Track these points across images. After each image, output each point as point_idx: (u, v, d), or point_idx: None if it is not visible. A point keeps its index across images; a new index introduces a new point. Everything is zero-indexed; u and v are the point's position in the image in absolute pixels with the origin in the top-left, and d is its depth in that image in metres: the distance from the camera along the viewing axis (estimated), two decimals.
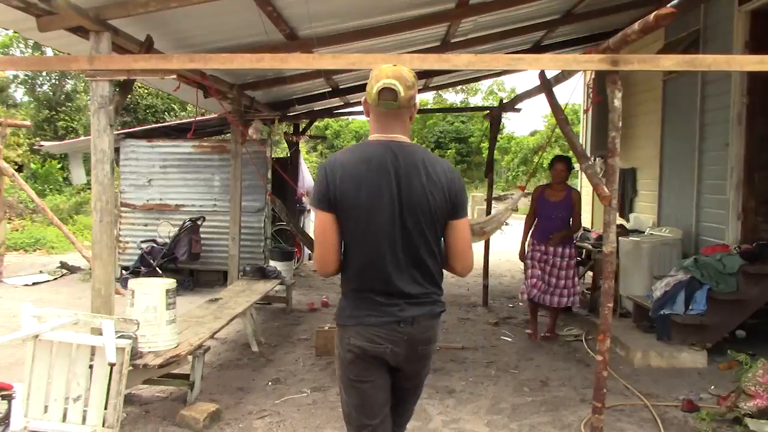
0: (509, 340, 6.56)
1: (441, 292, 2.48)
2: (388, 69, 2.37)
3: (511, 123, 42.03)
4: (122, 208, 9.58)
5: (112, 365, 3.58)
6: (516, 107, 8.08)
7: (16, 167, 19.31)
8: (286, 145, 12.60)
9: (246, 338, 6.09)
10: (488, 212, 8.40)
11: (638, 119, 9.07)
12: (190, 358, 4.50)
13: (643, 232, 7.74)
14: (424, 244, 2.38)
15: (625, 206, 9.18)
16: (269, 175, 9.22)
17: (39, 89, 21.77)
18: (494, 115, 7.96)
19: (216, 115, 8.42)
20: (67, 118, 20.69)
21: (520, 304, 7.49)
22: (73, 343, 3.78)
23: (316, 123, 42.98)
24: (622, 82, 3.75)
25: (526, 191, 7.15)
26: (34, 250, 12.71)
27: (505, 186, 35.37)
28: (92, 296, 4.28)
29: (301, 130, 11.47)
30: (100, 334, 3.74)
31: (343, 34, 5.86)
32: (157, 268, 8.85)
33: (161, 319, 4.33)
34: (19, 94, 23.81)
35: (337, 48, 5.98)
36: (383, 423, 2.51)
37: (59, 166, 18.49)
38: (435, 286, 2.46)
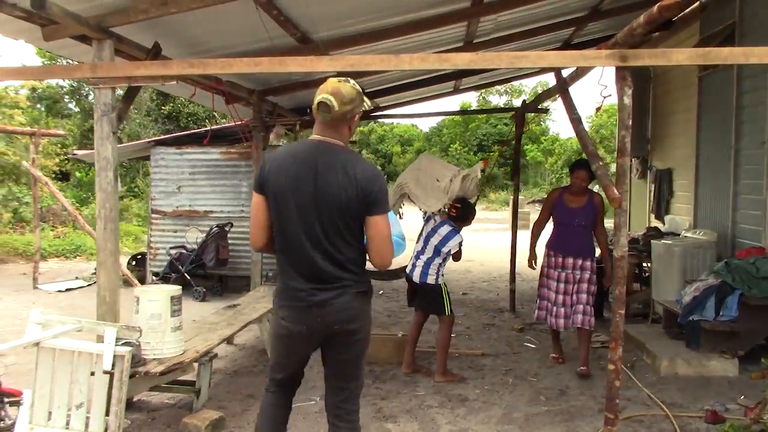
0: (533, 346, 6.37)
1: (356, 276, 2.79)
2: (330, 84, 2.75)
3: (555, 125, 41.39)
4: (152, 215, 9.71)
5: (106, 373, 3.56)
6: (543, 107, 7.86)
7: (61, 176, 19.94)
8: None
9: (264, 345, 6.06)
10: (514, 216, 8.21)
11: (674, 118, 8.75)
12: (196, 365, 4.48)
13: (678, 235, 7.44)
14: (336, 234, 2.72)
15: (661, 208, 8.86)
16: None
17: (84, 99, 22.38)
18: (518, 116, 7.77)
19: (238, 122, 8.44)
20: None
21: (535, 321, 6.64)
22: (74, 350, 3.79)
23: (360, 128, 42.72)
24: (658, 80, 3.58)
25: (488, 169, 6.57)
26: (75, 257, 13.01)
27: (549, 189, 34.83)
28: (97, 303, 4.30)
29: None
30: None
31: (358, 36, 5.80)
32: (186, 275, 8.95)
33: (166, 326, 4.32)
34: (73, 105, 24.69)
35: (352, 51, 5.92)
36: (289, 378, 3.06)
37: None
38: (347, 272, 2.76)
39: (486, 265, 12.36)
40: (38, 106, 23.31)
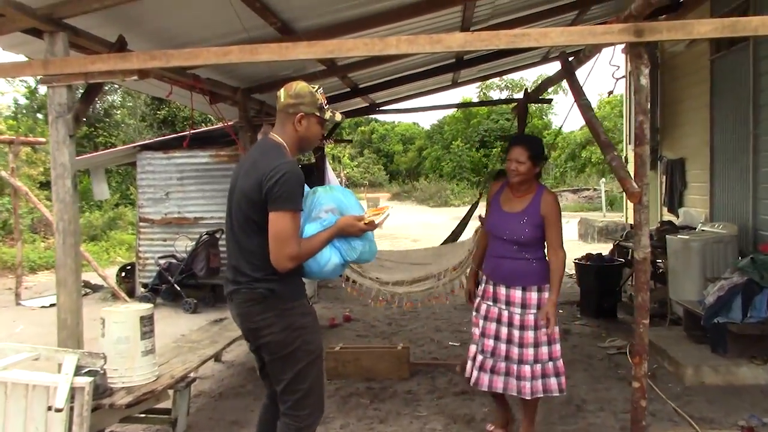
0: None
1: (250, 276, 2.75)
2: (291, 82, 2.87)
3: (557, 118, 40.78)
4: (140, 223, 9.28)
5: (58, 410, 3.12)
6: (546, 98, 7.40)
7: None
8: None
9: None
10: None
11: (684, 105, 8.28)
12: (171, 392, 4.04)
13: (695, 229, 6.97)
14: (241, 231, 2.79)
15: (674, 200, 8.40)
16: None
17: None
18: (521, 107, 7.32)
19: (227, 123, 8.01)
20: (105, 133, 20.81)
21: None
22: (27, 383, 3.36)
23: (362, 128, 42.48)
24: (665, 66, 3.15)
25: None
26: None
27: (553, 183, 34.34)
28: (58, 327, 3.86)
29: (326, 133, 10.99)
30: None
31: (345, 24, 5.36)
32: (176, 285, 8.53)
33: (135, 350, 3.87)
34: None
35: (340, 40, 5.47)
36: (269, 385, 3.02)
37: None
38: (243, 269, 2.78)
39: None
40: (38, 115, 22.91)
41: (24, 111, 23.64)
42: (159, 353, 4.69)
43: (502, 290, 3.72)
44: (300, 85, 2.82)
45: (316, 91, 2.85)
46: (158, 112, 22.33)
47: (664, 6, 6.16)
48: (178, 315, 8.32)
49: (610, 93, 4.03)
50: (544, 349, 3.65)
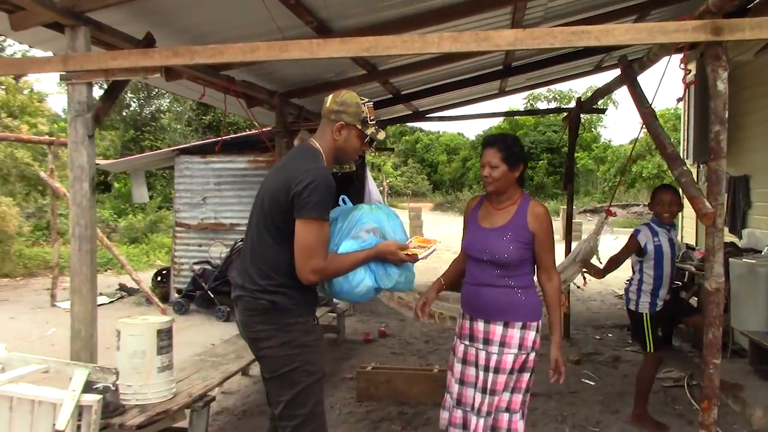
0: (592, 384, 5.47)
1: (262, 285, 2.57)
2: (342, 90, 2.76)
3: (607, 131, 39.87)
4: (177, 228, 9.16)
5: None
6: (599, 107, 6.97)
7: (103, 186, 19.78)
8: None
9: None
10: (568, 229, 7.30)
11: (750, 118, 7.71)
12: (188, 411, 3.77)
13: (760, 252, 6.43)
14: (258, 234, 2.63)
15: (737, 220, 7.81)
16: None
17: (126, 110, 22.31)
18: (572, 118, 6.90)
19: (264, 128, 7.81)
20: (151, 137, 21.01)
21: None
22: (33, 398, 3.13)
23: (406, 137, 42.30)
24: (729, 76, 2.75)
25: (612, 216, 5.35)
26: (105, 270, 12.60)
27: (601, 198, 33.44)
28: (71, 338, 3.65)
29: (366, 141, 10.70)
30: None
31: (385, 24, 5.04)
32: (209, 292, 8.34)
33: (151, 366, 3.62)
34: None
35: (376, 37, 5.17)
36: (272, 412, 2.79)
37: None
38: (259, 277, 2.59)
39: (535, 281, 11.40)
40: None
41: None
42: (181, 367, 4.46)
43: (480, 325, 3.01)
44: (348, 94, 2.71)
45: (364, 104, 2.70)
46: (204, 118, 22.47)
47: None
48: (211, 323, 8.13)
49: (680, 100, 3.61)
50: (513, 401, 3.02)
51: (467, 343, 3.08)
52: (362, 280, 2.63)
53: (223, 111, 6.37)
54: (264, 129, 6.75)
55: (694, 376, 5.38)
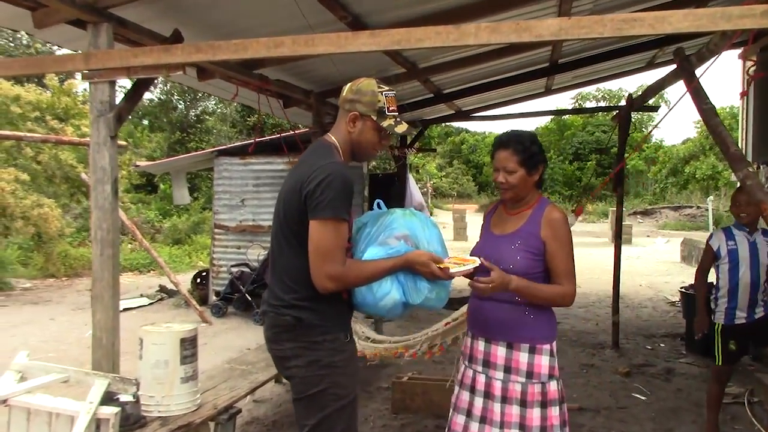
0: (643, 398, 5.13)
1: (287, 300, 2.36)
2: (362, 78, 2.46)
3: (658, 131, 38.71)
4: (215, 230, 9.11)
5: None
6: (651, 105, 6.59)
7: (150, 188, 20.06)
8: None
9: None
10: (617, 233, 6.94)
11: None
12: (212, 424, 3.62)
13: None
14: (277, 243, 2.43)
15: None
16: (366, 193, 8.34)
17: (172, 112, 22.60)
18: (622, 116, 6.54)
19: (303, 130, 7.69)
20: (196, 139, 21.22)
21: None
22: (50, 410, 3.02)
23: (452, 138, 41.80)
24: None
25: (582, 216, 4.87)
26: (149, 271, 12.70)
27: (652, 199, 32.48)
28: (92, 346, 3.53)
29: (408, 142, 10.50)
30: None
31: (424, 18, 4.82)
32: (247, 295, 8.25)
33: (174, 376, 3.47)
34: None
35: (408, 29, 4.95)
36: None
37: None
38: (283, 291, 2.38)
39: (583, 287, 10.94)
40: (144, 121, 23.80)
41: (130, 117, 24.53)
42: (209, 375, 4.33)
43: (480, 345, 2.65)
44: (366, 82, 2.42)
45: (382, 92, 2.40)
46: (248, 119, 22.60)
47: None
48: (248, 326, 8.04)
49: (744, 95, 3.29)
50: (536, 414, 2.54)
51: (466, 364, 2.73)
52: (388, 292, 2.34)
53: (266, 112, 6.25)
54: (301, 130, 6.58)
55: (755, 392, 5.00)
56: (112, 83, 3.40)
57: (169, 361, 3.47)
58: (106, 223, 3.42)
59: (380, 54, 5.31)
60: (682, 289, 6.86)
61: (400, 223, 2.46)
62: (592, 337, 7.18)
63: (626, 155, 7.01)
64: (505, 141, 2.66)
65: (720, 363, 4.02)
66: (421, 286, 2.35)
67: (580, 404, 4.92)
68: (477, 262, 2.45)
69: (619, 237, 6.90)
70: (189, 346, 3.56)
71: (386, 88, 2.44)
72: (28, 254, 12.14)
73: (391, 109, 2.43)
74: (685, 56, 3.72)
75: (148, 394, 3.40)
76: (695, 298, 6.47)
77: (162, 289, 10.03)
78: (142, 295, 9.90)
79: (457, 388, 2.76)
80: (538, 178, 2.69)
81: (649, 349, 6.68)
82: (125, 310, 8.82)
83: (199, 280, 9.57)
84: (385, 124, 2.41)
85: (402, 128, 2.47)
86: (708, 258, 4.10)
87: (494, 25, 2.79)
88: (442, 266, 2.33)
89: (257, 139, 6.75)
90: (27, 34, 4.01)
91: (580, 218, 4.93)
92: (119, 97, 3.53)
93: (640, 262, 14.08)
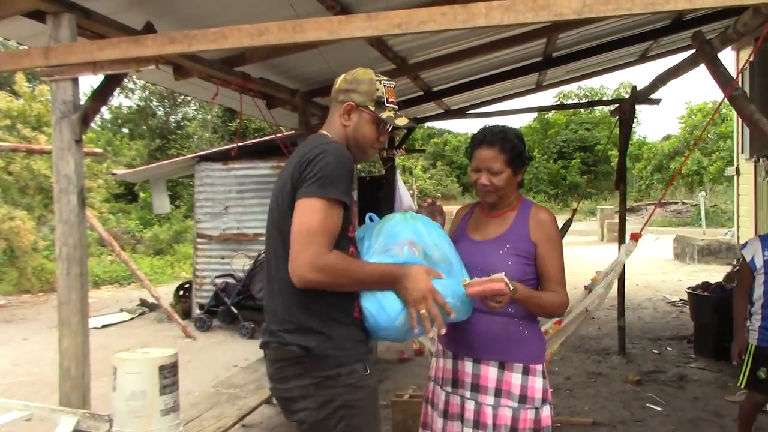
0: (659, 409, 4.82)
1: (290, 324, 1.96)
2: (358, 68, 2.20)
3: (641, 128, 38.78)
4: (198, 240, 8.72)
5: None
6: (653, 98, 6.30)
7: (131, 197, 19.55)
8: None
9: None
10: (621, 230, 6.64)
11: None
12: None
13: None
14: (273, 253, 2.03)
15: None
16: (355, 197, 7.96)
17: (151, 118, 22.13)
18: (624, 110, 6.25)
19: (287, 132, 7.31)
20: (177, 145, 20.74)
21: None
22: None
23: (435, 139, 41.43)
24: None
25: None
26: (129, 284, 12.25)
27: (638, 196, 32.41)
28: (60, 378, 3.14)
29: (396, 143, 10.15)
30: None
31: (424, 4, 4.48)
32: (233, 307, 7.86)
33: (153, 408, 3.09)
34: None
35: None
36: None
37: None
38: (284, 313, 1.98)
39: (579, 289, 10.66)
40: (123, 129, 23.25)
41: (109, 125, 24.05)
42: (193, 402, 3.97)
43: (467, 367, 2.33)
44: (361, 71, 2.17)
45: (380, 81, 2.15)
46: (230, 124, 22.15)
47: None
48: (234, 340, 7.66)
49: (731, 88, 2.99)
50: None
51: (449, 389, 2.37)
52: (401, 309, 1.98)
53: (248, 116, 5.89)
54: (286, 132, 6.22)
55: None
56: (76, 81, 3.02)
57: (146, 392, 3.08)
58: (73, 239, 3.04)
59: (368, 48, 4.98)
60: (689, 290, 6.57)
61: (401, 228, 2.13)
62: (596, 342, 6.87)
63: (610, 152, 6.71)
64: (490, 138, 2.34)
65: (742, 386, 3.65)
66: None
67: (594, 418, 4.60)
68: (502, 276, 2.12)
69: (622, 236, 6.60)
70: (169, 374, 3.18)
71: (384, 77, 2.19)
72: (2, 269, 11.63)
73: (390, 100, 2.16)
74: (706, 40, 3.41)
75: (124, 430, 3.02)
76: (705, 300, 6.24)
77: (143, 302, 9.60)
78: (122, 310, 9.46)
79: (440, 420, 2.37)
80: (520, 180, 2.42)
81: (657, 354, 6.39)
82: (105, 326, 8.40)
83: (181, 293, 9.16)
84: (384, 115, 2.12)
85: (403, 121, 2.19)
86: (746, 272, 3.65)
87: (507, 3, 2.46)
88: (467, 283, 2.05)
89: (239, 143, 6.35)
90: None
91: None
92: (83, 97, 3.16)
93: (634, 261, 13.83)
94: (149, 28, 3.55)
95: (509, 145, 2.32)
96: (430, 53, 5.97)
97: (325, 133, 2.14)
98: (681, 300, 8.94)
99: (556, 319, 3.69)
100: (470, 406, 2.29)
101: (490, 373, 2.29)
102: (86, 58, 2.92)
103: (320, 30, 2.62)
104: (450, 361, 2.39)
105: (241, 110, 5.21)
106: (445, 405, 2.37)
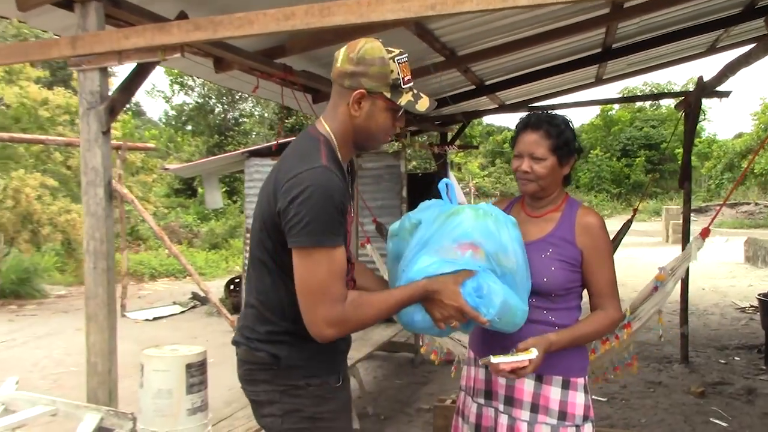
0: (725, 425, 4.47)
1: (261, 332, 1.83)
2: (359, 39, 1.83)
3: (711, 125, 37.22)
4: (247, 235, 8.66)
5: None
6: (722, 90, 5.88)
7: (190, 192, 19.95)
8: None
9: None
10: (685, 231, 6.25)
11: None
12: None
13: None
14: (251, 262, 1.89)
15: None
16: (404, 194, 7.81)
17: (210, 115, 22.54)
18: (689, 103, 5.86)
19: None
20: (235, 142, 21.04)
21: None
22: None
23: (494, 136, 40.86)
24: None
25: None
26: (184, 277, 12.43)
27: (706, 197, 31.13)
28: (87, 373, 3.08)
29: (449, 139, 9.91)
30: None
31: None
32: None
33: (179, 407, 2.99)
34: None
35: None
36: None
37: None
38: (256, 320, 1.85)
39: (638, 291, 10.21)
40: (187, 126, 23.82)
41: (173, 122, 24.66)
42: (227, 400, 3.88)
43: (501, 378, 2.09)
44: (368, 45, 1.78)
45: (393, 58, 1.79)
46: (287, 120, 22.31)
47: None
48: None
49: None
50: None
51: (481, 401, 2.18)
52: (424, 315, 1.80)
53: (309, 114, 5.76)
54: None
55: None
56: (103, 70, 2.95)
57: (172, 391, 2.99)
58: (99, 232, 2.97)
59: (414, 39, 4.80)
60: (761, 296, 6.12)
61: (468, 227, 1.85)
62: (657, 350, 6.49)
63: (677, 151, 6.30)
64: (535, 122, 2.14)
65: None
66: (491, 301, 1.78)
67: None
68: (533, 353, 1.90)
69: (685, 237, 6.20)
70: (197, 373, 3.08)
71: (396, 51, 1.84)
72: (64, 261, 11.98)
73: (407, 79, 1.83)
74: None
75: (150, 428, 2.94)
76: None
77: (195, 296, 9.70)
78: (175, 303, 9.58)
79: (459, 421, 2.25)
80: (567, 173, 2.18)
81: (724, 364, 5.97)
82: (156, 318, 8.50)
83: (232, 287, 9.19)
84: (402, 101, 1.81)
85: (424, 104, 1.87)
86: None
87: None
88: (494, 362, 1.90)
89: (280, 140, 6.26)
90: (19, 21, 3.59)
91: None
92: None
93: (700, 264, 13.18)
94: (182, 17, 3.47)
95: (555, 130, 2.10)
96: (480, 44, 5.74)
97: (325, 129, 1.84)
98: (751, 306, 8.42)
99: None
100: (503, 420, 2.08)
101: (526, 385, 2.07)
102: (112, 47, 2.84)
103: (349, 13, 2.46)
104: (482, 370, 2.18)
105: (282, 103, 5.09)
106: (477, 418, 2.17)
